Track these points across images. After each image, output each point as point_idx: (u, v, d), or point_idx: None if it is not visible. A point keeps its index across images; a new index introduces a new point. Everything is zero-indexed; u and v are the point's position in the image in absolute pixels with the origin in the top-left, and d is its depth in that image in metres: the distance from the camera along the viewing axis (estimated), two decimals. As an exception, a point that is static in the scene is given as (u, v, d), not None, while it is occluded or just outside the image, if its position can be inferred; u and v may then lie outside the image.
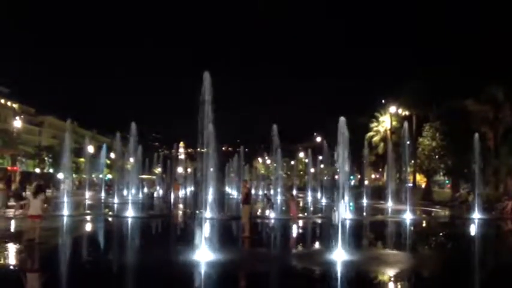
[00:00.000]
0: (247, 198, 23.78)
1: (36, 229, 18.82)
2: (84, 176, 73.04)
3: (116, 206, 43.01)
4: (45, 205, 20.70)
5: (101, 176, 73.37)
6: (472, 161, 37.96)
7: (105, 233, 26.33)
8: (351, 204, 37.12)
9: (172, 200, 57.42)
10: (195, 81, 18.39)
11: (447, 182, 78.14)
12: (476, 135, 38.98)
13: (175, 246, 18.42)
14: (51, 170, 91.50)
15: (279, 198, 40.35)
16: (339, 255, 16.13)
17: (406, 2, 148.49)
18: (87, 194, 58.23)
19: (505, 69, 48.75)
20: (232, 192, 71.39)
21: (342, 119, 18.85)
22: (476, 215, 35.38)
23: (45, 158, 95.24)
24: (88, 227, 28.88)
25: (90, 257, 17.60)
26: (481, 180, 38.31)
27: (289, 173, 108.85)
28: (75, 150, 62.40)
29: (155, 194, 59.59)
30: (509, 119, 53.18)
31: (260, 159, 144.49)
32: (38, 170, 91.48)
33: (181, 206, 48.92)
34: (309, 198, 62.84)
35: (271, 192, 45.56)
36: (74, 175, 78.60)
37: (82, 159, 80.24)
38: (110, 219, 33.99)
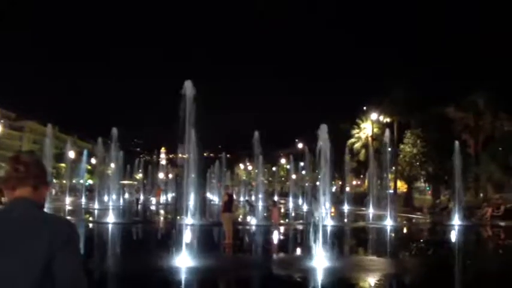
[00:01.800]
0: (228, 206, 23.47)
1: None
2: (65, 181, 72.49)
3: (96, 211, 42.74)
4: None
5: (81, 181, 72.95)
6: (453, 168, 38.25)
7: (84, 239, 26.14)
8: (332, 210, 37.35)
9: (154, 206, 57.21)
10: (176, 86, 18.34)
11: (428, 188, 78.69)
12: (457, 142, 39.30)
13: (156, 252, 18.30)
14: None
15: (260, 204, 40.36)
16: (320, 262, 16.14)
17: (388, 10, 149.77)
18: (68, 199, 57.78)
19: (486, 77, 49.34)
20: (214, 198, 71.26)
21: (324, 126, 18.94)
22: (457, 222, 35.63)
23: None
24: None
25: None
26: (462, 187, 38.61)
27: (270, 179, 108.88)
28: (56, 156, 61.99)
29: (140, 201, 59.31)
30: (489, 127, 53.78)
31: (242, 165, 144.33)
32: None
33: (162, 211, 48.70)
34: (291, 205, 62.89)
35: (253, 198, 45.55)
36: (54, 180, 78.07)
37: (63, 165, 79.76)
38: (91, 225, 33.75)
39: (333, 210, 40.03)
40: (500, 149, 48.65)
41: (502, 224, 36.85)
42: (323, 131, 18.90)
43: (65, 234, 2.66)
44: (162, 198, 66.79)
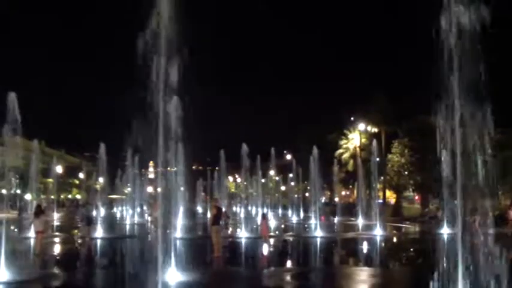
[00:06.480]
0: (216, 219, 23.42)
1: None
2: (53, 196, 72.01)
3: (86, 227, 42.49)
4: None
5: (69, 196, 72.59)
6: (440, 177, 38.35)
7: (73, 254, 25.98)
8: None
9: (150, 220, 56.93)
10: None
11: (410, 197, 79.28)
12: (444, 151, 39.44)
13: (144, 267, 18.21)
14: (18, 191, 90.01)
15: (249, 216, 40.28)
16: (309, 273, 16.09)
17: (373, 19, 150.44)
18: (56, 215, 57.42)
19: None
20: (203, 211, 71.06)
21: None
22: (446, 230, 35.66)
23: (12, 179, 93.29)
24: (57, 248, 28.47)
25: (57, 276, 17.33)
26: (450, 195, 38.68)
27: (259, 191, 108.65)
28: (43, 171, 61.65)
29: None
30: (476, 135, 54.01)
31: (231, 178, 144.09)
32: (4, 191, 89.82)
33: (152, 226, 48.43)
34: (280, 216, 62.82)
35: (242, 209, 45.45)
36: (41, 196, 77.61)
37: (50, 180, 79.28)
38: (80, 240, 33.46)
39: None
40: (486, 157, 48.93)
41: (490, 231, 36.95)
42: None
43: None
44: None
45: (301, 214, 61.67)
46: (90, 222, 31.76)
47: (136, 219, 54.34)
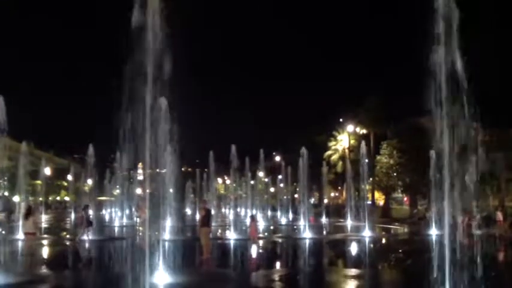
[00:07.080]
0: (205, 221, 23.39)
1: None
2: (41, 198, 71.59)
3: (73, 228, 42.29)
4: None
5: (58, 198, 72.17)
6: (429, 178, 38.46)
7: (61, 255, 25.87)
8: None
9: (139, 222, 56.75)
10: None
11: (399, 197, 79.56)
12: (433, 151, 39.50)
13: (133, 268, 18.17)
14: (6, 193, 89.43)
15: (238, 218, 40.25)
16: (298, 274, 16.10)
17: (364, 21, 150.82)
18: (44, 217, 57.09)
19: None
20: (192, 212, 70.91)
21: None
22: (434, 231, 35.78)
23: (0, 181, 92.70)
24: (45, 250, 28.31)
25: (47, 278, 17.25)
26: (438, 196, 38.76)
27: (248, 192, 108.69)
28: (31, 173, 61.29)
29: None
30: (464, 136, 54.24)
31: (220, 180, 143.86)
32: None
33: (141, 228, 48.26)
34: (269, 218, 62.82)
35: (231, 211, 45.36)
36: (30, 197, 77.20)
37: (39, 182, 78.85)
38: (68, 242, 33.30)
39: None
40: (474, 158, 49.09)
41: (478, 232, 37.13)
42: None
43: None
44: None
45: (290, 215, 61.72)
46: (90, 224, 31.70)
47: (124, 221, 53.98)
